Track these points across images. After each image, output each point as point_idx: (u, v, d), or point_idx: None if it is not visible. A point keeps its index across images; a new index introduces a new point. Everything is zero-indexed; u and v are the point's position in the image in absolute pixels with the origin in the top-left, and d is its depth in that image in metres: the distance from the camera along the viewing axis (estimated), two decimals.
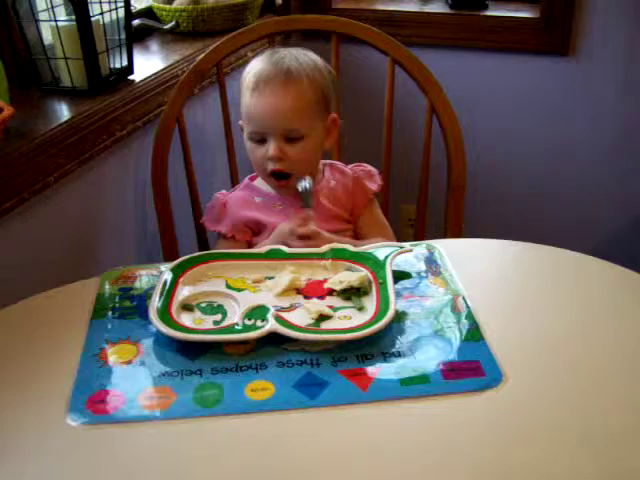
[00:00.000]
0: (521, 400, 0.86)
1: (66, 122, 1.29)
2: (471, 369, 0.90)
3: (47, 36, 1.40)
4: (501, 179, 2.23)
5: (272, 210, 1.36)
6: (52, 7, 1.36)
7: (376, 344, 0.94)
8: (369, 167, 1.45)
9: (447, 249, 1.18)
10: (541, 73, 2.06)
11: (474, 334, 0.96)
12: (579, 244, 1.25)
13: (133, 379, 0.90)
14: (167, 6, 1.85)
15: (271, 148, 1.28)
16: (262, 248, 1.15)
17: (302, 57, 1.31)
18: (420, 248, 1.18)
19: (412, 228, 2.25)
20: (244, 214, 1.36)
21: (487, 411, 0.84)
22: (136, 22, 1.78)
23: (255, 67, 1.30)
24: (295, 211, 1.30)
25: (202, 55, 1.48)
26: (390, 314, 0.96)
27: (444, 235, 1.51)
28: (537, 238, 1.23)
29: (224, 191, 1.42)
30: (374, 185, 1.41)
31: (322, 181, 1.39)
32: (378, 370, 0.90)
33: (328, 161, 1.44)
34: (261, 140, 1.30)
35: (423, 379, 0.88)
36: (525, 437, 0.80)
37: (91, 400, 0.86)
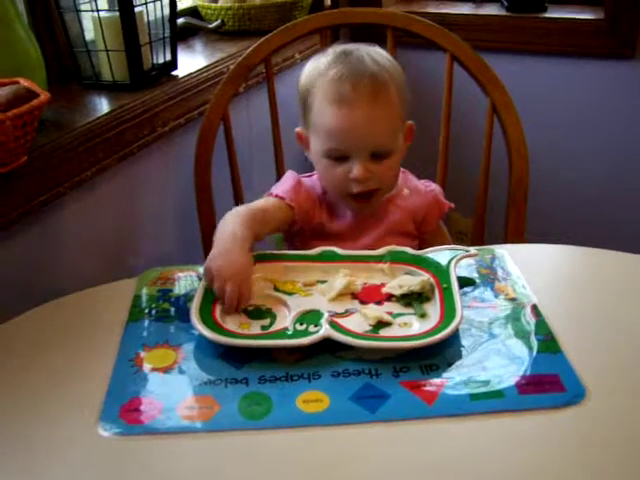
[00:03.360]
0: (607, 418, 0.77)
1: (105, 115, 1.23)
2: (549, 383, 0.81)
3: (88, 27, 1.34)
4: (557, 187, 2.14)
5: (342, 216, 1.21)
6: None
7: (441, 354, 0.86)
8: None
9: (512, 254, 1.10)
10: (604, 77, 1.97)
11: (550, 345, 0.87)
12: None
13: (171, 387, 0.83)
14: (212, 4, 1.79)
15: (357, 169, 1.11)
16: (314, 250, 1.06)
17: (380, 57, 1.15)
18: (484, 253, 1.09)
19: (463, 243, 2.15)
20: (311, 207, 1.20)
21: (569, 429, 0.76)
22: (180, 21, 1.72)
23: (330, 70, 1.12)
24: (365, 221, 1.20)
25: (250, 49, 1.41)
26: (457, 320, 0.88)
27: (505, 242, 1.41)
28: (597, 245, 1.14)
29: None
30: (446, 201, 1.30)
31: (394, 189, 1.24)
32: (445, 382, 0.81)
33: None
34: (341, 158, 1.13)
35: (496, 394, 0.80)
36: (615, 459, 0.72)
37: (125, 409, 0.79)
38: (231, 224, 1.05)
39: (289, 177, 1.24)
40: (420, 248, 1.10)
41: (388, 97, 1.12)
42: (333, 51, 1.16)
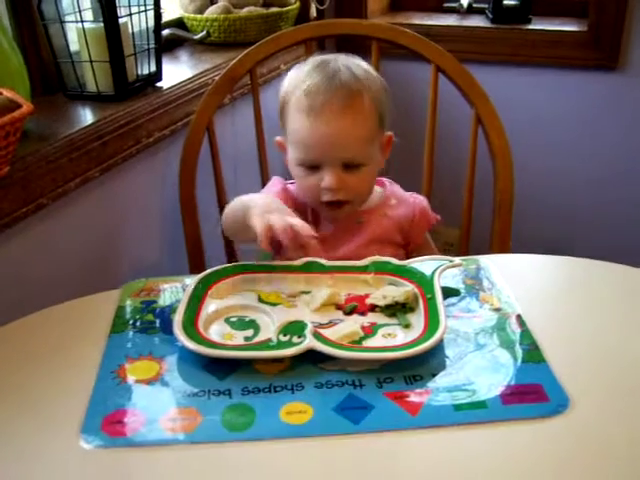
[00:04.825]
0: (592, 427, 0.77)
1: (89, 126, 1.23)
2: (533, 393, 0.80)
3: (73, 38, 1.34)
4: (542, 197, 2.16)
5: (325, 223, 1.22)
6: (79, 9, 1.30)
7: (425, 364, 0.85)
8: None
9: (497, 265, 1.09)
10: (588, 88, 1.99)
11: (534, 355, 0.87)
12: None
13: (154, 398, 0.82)
14: (198, 16, 1.79)
15: (328, 179, 1.12)
16: (299, 260, 1.06)
17: (356, 69, 1.15)
18: (469, 263, 1.09)
19: (449, 253, 2.15)
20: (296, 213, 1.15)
21: (553, 440, 0.75)
22: (166, 32, 1.73)
23: (305, 82, 1.13)
24: (348, 229, 1.20)
25: (235, 60, 1.41)
26: (441, 330, 0.87)
27: (490, 252, 1.41)
28: (582, 254, 1.14)
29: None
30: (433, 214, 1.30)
31: (381, 198, 1.25)
32: (429, 393, 0.81)
33: (386, 179, 1.29)
34: (314, 167, 1.14)
35: (480, 404, 0.79)
36: (600, 468, 0.72)
37: (107, 421, 0.78)
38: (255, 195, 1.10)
39: (276, 182, 1.25)
40: None
41: (360, 107, 1.12)
42: (312, 61, 1.17)
